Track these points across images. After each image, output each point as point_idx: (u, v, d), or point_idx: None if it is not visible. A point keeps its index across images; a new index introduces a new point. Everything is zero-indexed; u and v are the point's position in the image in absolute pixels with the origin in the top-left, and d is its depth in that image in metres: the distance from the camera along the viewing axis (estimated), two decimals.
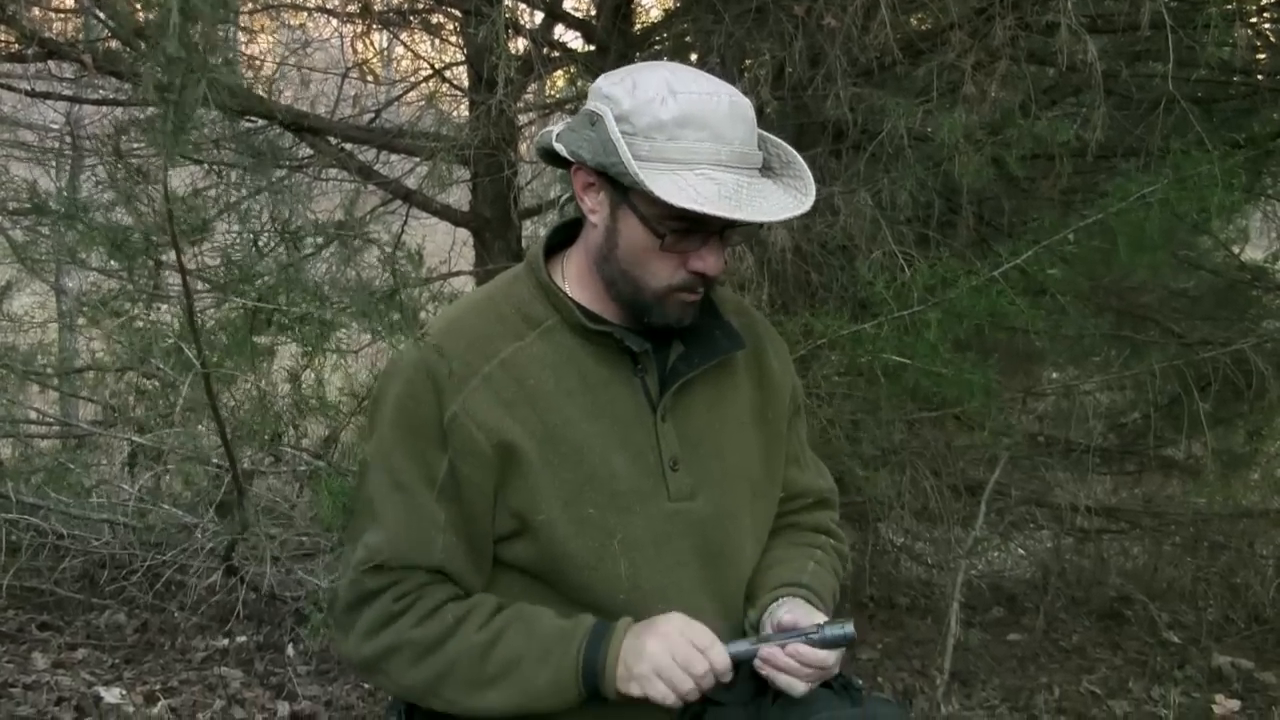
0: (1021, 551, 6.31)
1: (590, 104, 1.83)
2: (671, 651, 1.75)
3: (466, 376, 1.83)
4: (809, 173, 1.87)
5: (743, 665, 1.81)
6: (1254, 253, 5.89)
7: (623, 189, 1.80)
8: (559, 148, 1.86)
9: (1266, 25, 4.77)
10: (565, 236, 1.99)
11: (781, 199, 1.82)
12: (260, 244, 4.51)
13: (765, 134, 1.89)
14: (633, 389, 1.90)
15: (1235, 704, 4.53)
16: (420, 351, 1.87)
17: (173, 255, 4.43)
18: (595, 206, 1.86)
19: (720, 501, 1.94)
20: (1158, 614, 5.39)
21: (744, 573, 2.01)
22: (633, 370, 1.91)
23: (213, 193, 5.01)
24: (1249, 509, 5.68)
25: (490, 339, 1.88)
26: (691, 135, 1.76)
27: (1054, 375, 5.91)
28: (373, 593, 1.85)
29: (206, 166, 4.99)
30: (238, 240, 4.63)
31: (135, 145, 5.27)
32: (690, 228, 1.79)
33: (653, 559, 1.86)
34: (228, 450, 3.23)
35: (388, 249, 4.80)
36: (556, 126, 1.92)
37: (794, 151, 1.89)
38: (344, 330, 3.91)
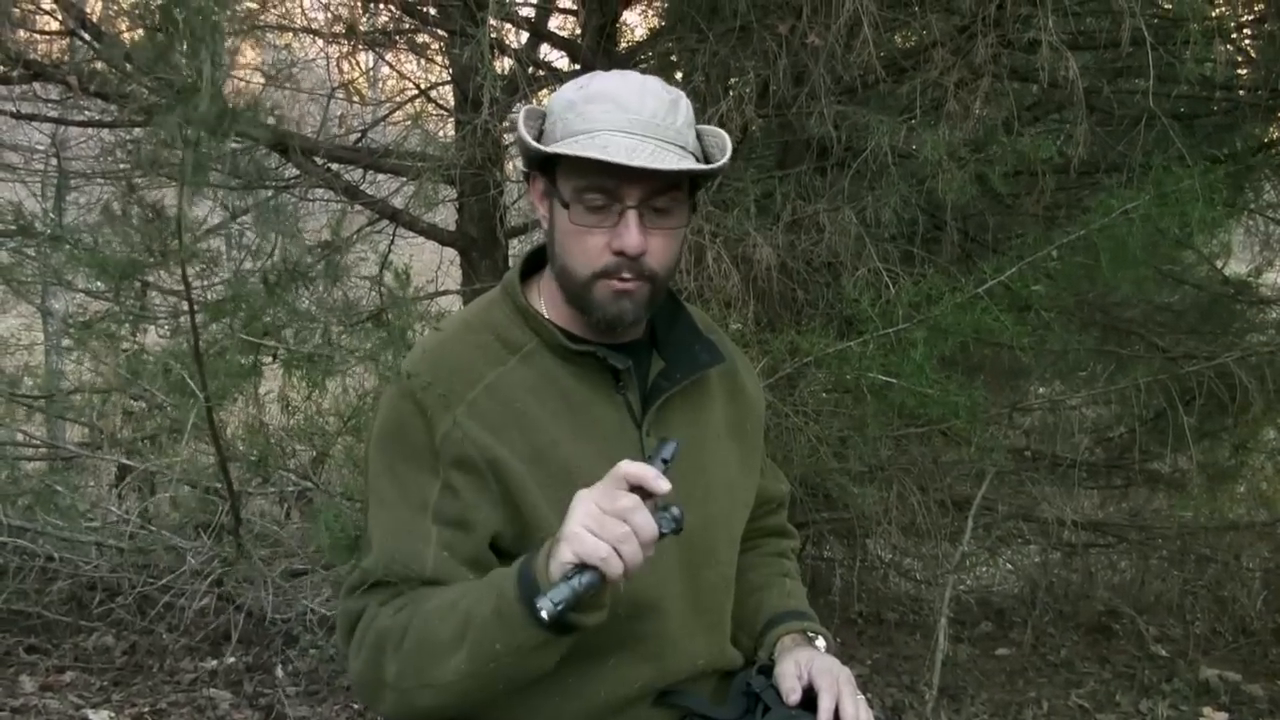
0: (1009, 566, 6.32)
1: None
2: (597, 501, 1.64)
3: (452, 403, 1.82)
4: (729, 145, 1.87)
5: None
6: (1237, 267, 5.92)
7: (553, 183, 1.83)
8: (520, 167, 1.90)
9: (1246, 41, 4.81)
10: (541, 260, 1.99)
11: (681, 160, 1.80)
12: (249, 266, 4.52)
13: (706, 127, 1.90)
14: (615, 406, 1.91)
15: (1223, 716, 4.54)
16: (404, 383, 1.86)
17: (157, 277, 4.45)
18: (544, 210, 1.89)
19: (704, 513, 1.95)
20: (1145, 627, 5.40)
21: (725, 584, 2.04)
22: (614, 388, 1.92)
23: (199, 214, 5.01)
24: (1235, 522, 5.70)
25: (472, 366, 1.87)
26: (597, 108, 1.78)
27: (1040, 391, 5.93)
28: (360, 609, 1.84)
29: (197, 189, 4.99)
30: (228, 262, 4.63)
31: (122, 166, 5.28)
32: (601, 202, 1.79)
33: (643, 573, 1.87)
34: (226, 477, 3.23)
35: (375, 269, 4.81)
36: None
37: (727, 137, 1.89)
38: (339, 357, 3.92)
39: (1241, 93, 4.73)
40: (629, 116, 1.78)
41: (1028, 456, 5.53)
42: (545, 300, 1.94)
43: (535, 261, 2.00)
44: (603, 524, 1.60)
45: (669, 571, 1.91)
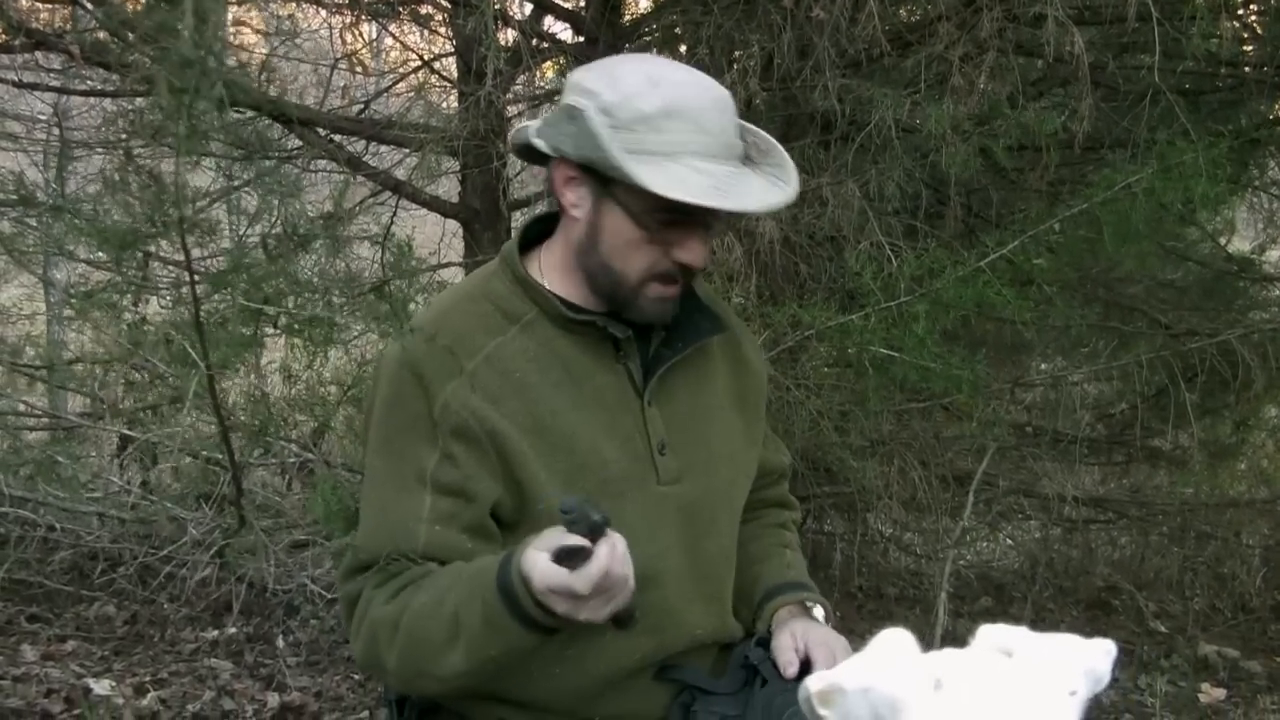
0: (1009, 541, 6.33)
1: (568, 98, 1.82)
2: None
3: (452, 372, 1.81)
4: (789, 160, 1.86)
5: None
6: (1240, 244, 5.91)
7: (605, 182, 1.79)
8: (538, 143, 1.85)
9: (1252, 18, 4.79)
10: (539, 230, 1.98)
11: (767, 189, 1.81)
12: (250, 236, 4.51)
13: (744, 123, 1.89)
14: (617, 376, 1.91)
15: (1221, 692, 4.56)
16: (403, 351, 1.85)
17: (158, 247, 4.44)
18: (576, 200, 1.84)
19: (706, 484, 1.96)
20: (1144, 603, 5.41)
21: (725, 556, 2.05)
22: (615, 358, 1.92)
23: (200, 184, 5.00)
24: (1235, 499, 5.72)
25: (472, 335, 1.86)
26: (676, 126, 1.75)
27: (1042, 366, 5.93)
28: (357, 592, 1.84)
29: (195, 159, 4.97)
30: (228, 232, 4.62)
31: (122, 137, 5.26)
32: (677, 219, 1.79)
33: (645, 543, 1.86)
34: (227, 448, 3.23)
35: (378, 241, 4.80)
36: (533, 123, 1.91)
37: (772, 140, 1.89)
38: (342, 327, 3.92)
39: (1247, 69, 4.70)
40: (708, 139, 1.77)
41: (1029, 432, 5.53)
42: (545, 270, 1.93)
43: (531, 232, 1.99)
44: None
45: (669, 544, 1.92)
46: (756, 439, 2.12)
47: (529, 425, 1.82)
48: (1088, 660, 1.15)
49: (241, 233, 4.52)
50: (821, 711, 1.12)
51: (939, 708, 1.08)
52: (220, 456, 4.07)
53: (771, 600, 2.07)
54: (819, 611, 2.05)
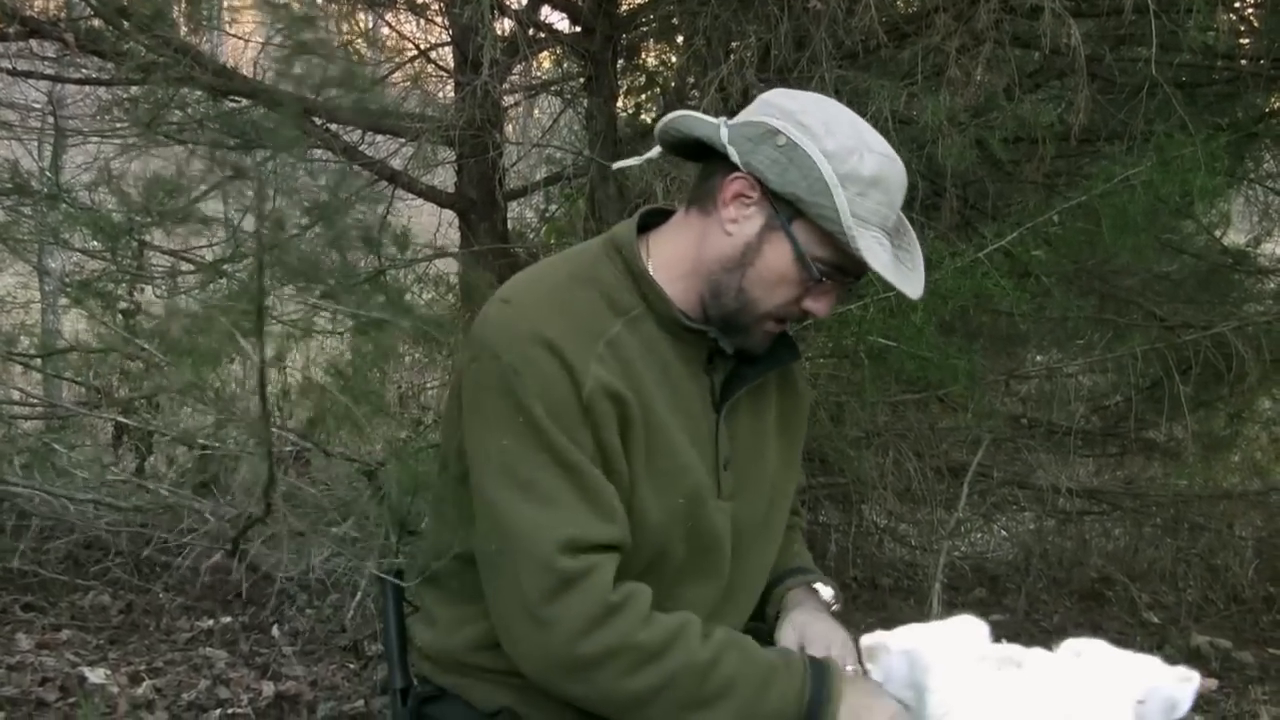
0: (1004, 533, 6.34)
1: (774, 121, 1.78)
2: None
3: (587, 354, 1.76)
4: (918, 245, 1.89)
5: None
6: (1236, 237, 5.92)
7: (785, 215, 1.78)
8: (731, 151, 1.79)
9: (1249, 10, 4.79)
10: (648, 222, 1.95)
11: (910, 274, 1.84)
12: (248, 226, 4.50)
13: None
14: (701, 386, 1.90)
15: (1213, 683, 4.57)
16: (531, 326, 1.76)
17: (152, 236, 4.43)
18: (738, 218, 1.81)
19: (754, 505, 1.98)
20: (1138, 594, 5.42)
21: (760, 576, 2.07)
22: (704, 368, 1.90)
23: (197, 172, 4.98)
24: (1229, 491, 5.73)
25: (593, 317, 1.81)
26: (878, 197, 1.76)
27: (1037, 358, 5.93)
28: (576, 578, 1.71)
29: (190, 146, 4.96)
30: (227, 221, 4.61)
31: (118, 125, 5.25)
32: (834, 276, 1.81)
33: (701, 553, 1.88)
34: (266, 433, 3.23)
35: (374, 231, 4.78)
36: (703, 116, 1.86)
37: (906, 221, 1.91)
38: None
39: (1244, 62, 4.71)
40: (893, 216, 1.81)
41: (1024, 424, 5.54)
42: (656, 268, 1.88)
43: (642, 221, 1.94)
44: None
45: (723, 556, 1.93)
46: (795, 463, 2.12)
47: (640, 419, 1.79)
48: (1160, 681, 1.15)
49: (237, 223, 4.52)
50: (867, 665, 1.19)
51: (981, 681, 1.09)
52: (216, 445, 4.06)
53: (781, 584, 2.10)
54: (827, 591, 2.07)
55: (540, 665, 1.75)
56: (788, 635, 1.97)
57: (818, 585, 2.11)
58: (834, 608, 2.09)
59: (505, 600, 1.77)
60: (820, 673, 1.78)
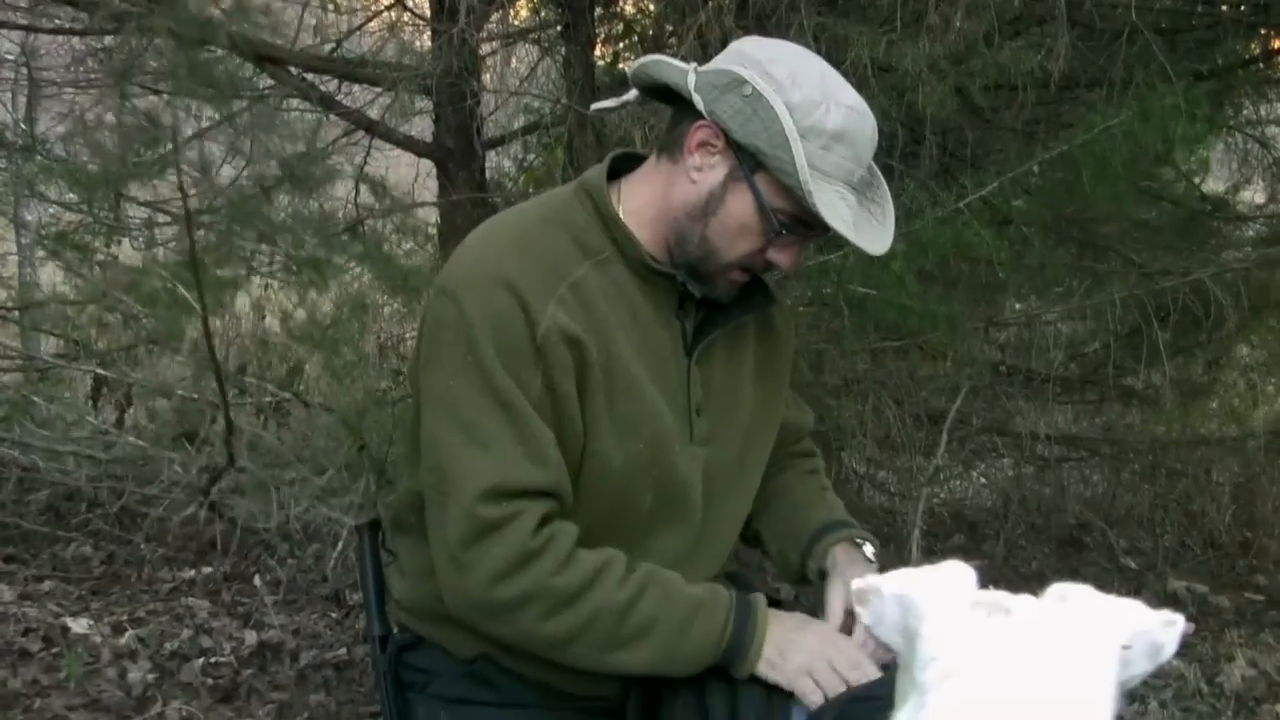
0: (982, 480, 6.36)
1: (741, 70, 1.77)
2: (829, 657, 1.78)
3: (546, 295, 1.76)
4: (890, 199, 1.88)
5: None
6: (1215, 184, 5.92)
7: (748, 165, 1.78)
8: (696, 99, 1.78)
9: None
10: (619, 167, 1.94)
11: (879, 231, 1.84)
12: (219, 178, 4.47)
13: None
14: (671, 331, 1.90)
15: (1190, 626, 4.60)
16: (493, 267, 1.77)
17: (132, 190, 4.40)
18: (702, 166, 1.81)
19: (728, 451, 1.98)
20: (1116, 540, 5.46)
21: (734, 523, 2.08)
22: (674, 313, 1.91)
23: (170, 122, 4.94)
24: (1206, 437, 5.75)
25: (558, 260, 1.81)
26: (842, 151, 1.75)
27: (1016, 306, 5.94)
28: (496, 524, 1.73)
29: (165, 97, 4.92)
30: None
31: (93, 75, 5.20)
32: (796, 229, 1.80)
33: (669, 500, 1.89)
34: (220, 385, 3.23)
35: (351, 181, 4.76)
36: (675, 62, 1.85)
37: (881, 176, 1.90)
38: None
39: (1224, 8, 4.70)
40: (859, 171, 1.80)
41: (1003, 371, 5.55)
42: (626, 213, 1.88)
43: (614, 166, 1.94)
44: (828, 681, 1.77)
45: (693, 502, 1.94)
46: (777, 410, 2.11)
47: (603, 363, 1.80)
48: (1145, 625, 1.17)
49: (213, 173, 4.49)
50: (857, 609, 1.19)
51: (972, 627, 1.10)
52: (196, 397, 4.06)
53: (822, 540, 2.07)
54: (869, 549, 2.07)
55: (461, 607, 1.80)
56: (839, 595, 1.97)
57: (860, 541, 2.08)
58: (873, 565, 2.05)
59: (435, 541, 1.82)
60: (745, 609, 1.80)
